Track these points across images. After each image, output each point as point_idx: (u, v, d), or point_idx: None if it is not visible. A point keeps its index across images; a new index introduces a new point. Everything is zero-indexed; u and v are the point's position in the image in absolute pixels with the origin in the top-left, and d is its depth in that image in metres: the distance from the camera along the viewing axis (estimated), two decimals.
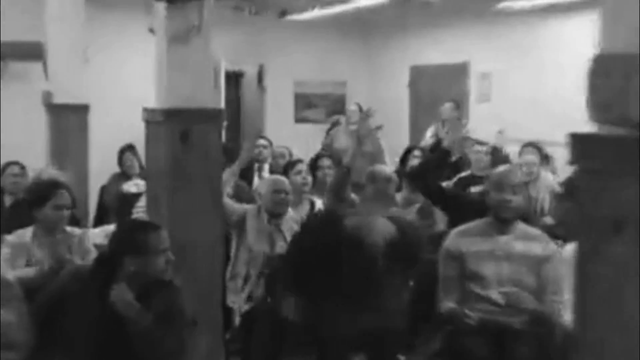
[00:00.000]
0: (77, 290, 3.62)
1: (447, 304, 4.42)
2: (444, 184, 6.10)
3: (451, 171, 7.11)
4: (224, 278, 5.13)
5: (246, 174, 7.76)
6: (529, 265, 4.34)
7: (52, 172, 6.16)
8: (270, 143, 8.26)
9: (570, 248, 4.33)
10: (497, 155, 7.39)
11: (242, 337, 5.12)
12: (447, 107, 9.29)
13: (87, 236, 4.91)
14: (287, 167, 6.24)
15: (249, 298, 5.13)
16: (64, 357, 3.62)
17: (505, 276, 4.34)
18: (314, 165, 6.66)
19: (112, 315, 3.56)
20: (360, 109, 9.04)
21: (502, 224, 4.42)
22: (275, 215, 5.30)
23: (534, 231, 4.53)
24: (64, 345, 3.63)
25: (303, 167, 6.14)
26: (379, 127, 6.25)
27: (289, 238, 5.14)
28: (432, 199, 5.35)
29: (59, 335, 3.66)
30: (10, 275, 3.92)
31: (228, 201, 5.40)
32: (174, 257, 3.65)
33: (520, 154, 7.35)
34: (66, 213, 4.71)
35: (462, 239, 4.48)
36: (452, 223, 5.23)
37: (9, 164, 6.65)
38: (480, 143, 7.28)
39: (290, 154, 7.94)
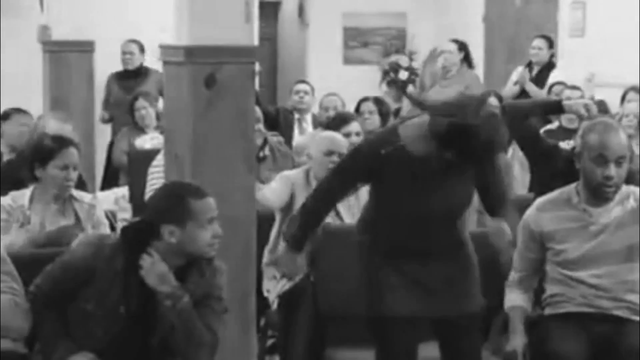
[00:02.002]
0: (98, 266, 3.63)
1: (513, 298, 4.34)
2: None
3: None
4: (260, 261, 5.12)
5: (284, 127, 7.76)
6: (626, 225, 4.25)
7: (53, 124, 6.18)
8: (313, 89, 8.23)
9: None
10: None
11: (280, 324, 5.14)
12: (536, 44, 9.13)
13: (99, 203, 4.99)
14: (337, 122, 6.16)
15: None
16: (75, 343, 3.66)
17: (600, 252, 4.25)
18: (356, 111, 6.64)
19: (140, 291, 3.59)
20: (461, 47, 8.72)
21: (598, 198, 4.30)
22: None
23: (634, 189, 4.38)
24: (76, 329, 3.67)
25: (353, 128, 6.03)
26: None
27: (343, 211, 5.12)
28: (522, 143, 5.20)
29: (67, 319, 3.71)
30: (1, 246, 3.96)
31: (265, 192, 5.23)
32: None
33: (622, 101, 7.26)
34: (74, 174, 4.79)
35: (545, 214, 4.34)
36: (537, 181, 5.21)
37: (11, 111, 6.59)
38: (573, 88, 7.20)
39: (343, 105, 7.88)
